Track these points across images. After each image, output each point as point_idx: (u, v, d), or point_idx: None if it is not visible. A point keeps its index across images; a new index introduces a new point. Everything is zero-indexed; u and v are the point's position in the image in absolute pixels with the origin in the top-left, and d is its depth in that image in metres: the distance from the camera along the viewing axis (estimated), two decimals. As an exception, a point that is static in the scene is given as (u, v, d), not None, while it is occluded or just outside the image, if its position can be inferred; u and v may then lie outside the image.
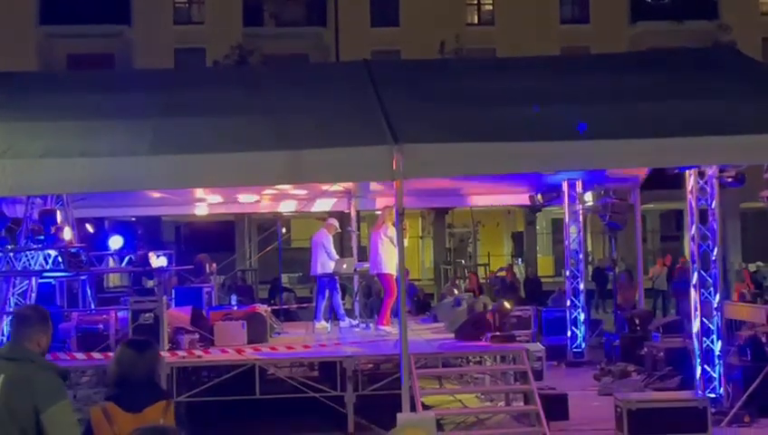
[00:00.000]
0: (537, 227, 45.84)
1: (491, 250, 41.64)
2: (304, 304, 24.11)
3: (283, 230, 40.92)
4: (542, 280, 33.95)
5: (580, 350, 20.21)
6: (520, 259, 42.84)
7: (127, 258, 17.95)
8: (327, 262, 18.00)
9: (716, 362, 13.87)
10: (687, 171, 14.03)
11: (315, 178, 13.64)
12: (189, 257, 21.65)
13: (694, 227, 14.06)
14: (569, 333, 20.34)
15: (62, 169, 12.05)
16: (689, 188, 14.08)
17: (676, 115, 13.29)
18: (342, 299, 18.80)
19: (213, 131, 12.94)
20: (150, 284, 17.68)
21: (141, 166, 12.21)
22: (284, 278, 33.00)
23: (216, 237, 38.97)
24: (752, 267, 35.93)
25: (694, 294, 14.08)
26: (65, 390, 5.65)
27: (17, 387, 5.48)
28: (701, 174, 13.99)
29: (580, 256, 20.78)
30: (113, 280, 30.92)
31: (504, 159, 12.54)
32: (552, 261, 46.36)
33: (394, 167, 12.05)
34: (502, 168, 13.24)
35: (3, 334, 14.99)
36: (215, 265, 20.14)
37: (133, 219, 26.20)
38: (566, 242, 21.12)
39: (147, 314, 13.78)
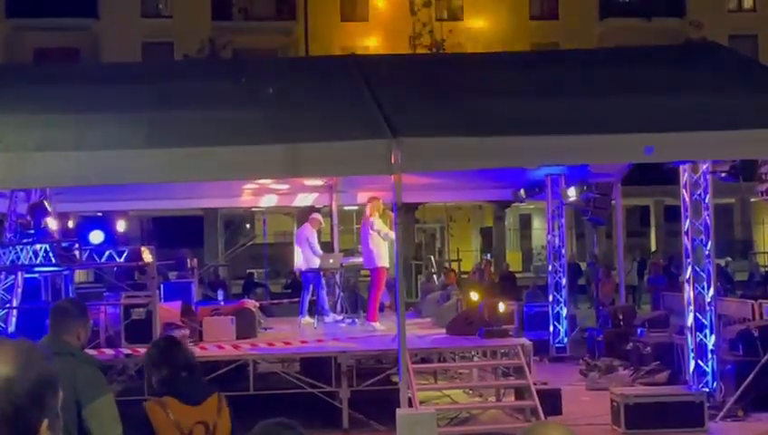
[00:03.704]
0: (506, 223, 45.91)
1: (460, 246, 41.64)
2: (284, 300, 23.95)
3: (247, 226, 41.05)
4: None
5: (562, 345, 20.23)
6: (488, 254, 42.92)
7: (107, 253, 17.69)
8: (311, 257, 17.87)
9: (710, 356, 13.89)
10: (681, 166, 14.03)
11: (313, 171, 13.54)
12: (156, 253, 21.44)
13: (687, 222, 14.07)
14: (551, 328, 20.33)
15: (57, 163, 11.86)
16: (683, 182, 14.09)
17: (668, 110, 13.31)
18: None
19: (209, 124, 12.79)
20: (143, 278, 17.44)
21: (137, 159, 12.04)
22: (253, 274, 32.90)
23: (183, 233, 38.63)
24: (721, 262, 36.20)
25: (687, 289, 14.10)
26: (107, 384, 5.54)
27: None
28: (694, 169, 13.98)
29: (563, 251, 20.79)
30: (79, 276, 30.57)
31: (504, 153, 12.51)
32: (519, 257, 46.47)
33: (393, 160, 11.96)
34: (502, 162, 13.20)
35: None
36: (195, 260, 19.97)
37: (100, 214, 25.92)
38: (548, 237, 21.15)
39: (139, 310, 13.62)
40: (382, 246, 16.05)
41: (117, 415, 5.41)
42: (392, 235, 14.64)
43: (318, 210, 21.50)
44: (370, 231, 16.13)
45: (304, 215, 18.91)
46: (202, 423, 5.49)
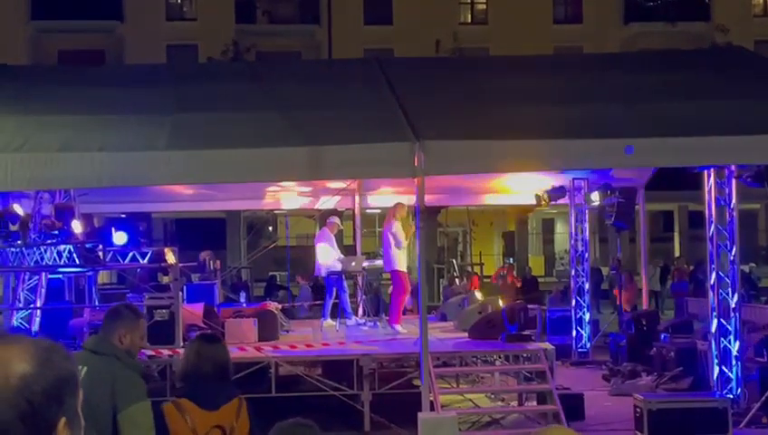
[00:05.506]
0: (528, 227, 45.77)
1: (482, 250, 41.54)
2: (306, 302, 23.96)
3: (270, 228, 41.06)
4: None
5: (585, 350, 20.13)
6: (511, 259, 42.81)
7: (130, 254, 17.76)
8: (333, 261, 17.86)
9: (734, 362, 13.79)
10: (706, 171, 13.94)
11: (336, 174, 13.51)
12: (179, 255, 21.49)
13: (712, 227, 13.98)
14: (573, 333, 20.24)
15: (80, 164, 11.89)
16: (708, 187, 13.99)
17: (693, 114, 13.23)
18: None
19: (231, 127, 12.81)
20: (166, 280, 17.49)
21: (160, 161, 12.06)
22: (276, 276, 32.91)
23: (206, 235, 38.66)
24: (745, 268, 36.00)
25: (711, 295, 14.01)
26: (146, 390, 5.46)
27: (98, 382, 5.25)
28: (719, 174, 13.88)
29: (586, 255, 20.69)
30: (103, 277, 30.67)
31: (529, 157, 12.46)
32: (542, 261, 46.32)
33: (416, 163, 11.94)
34: (526, 166, 13.15)
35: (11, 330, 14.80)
36: (219, 262, 19.99)
37: (123, 215, 26.00)
38: (571, 241, 21.07)
39: (162, 311, 13.64)
40: (401, 250, 16.02)
41: (152, 423, 5.31)
42: (405, 243, 14.68)
43: (339, 213, 21.47)
44: (389, 234, 16.11)
45: (327, 217, 18.92)
46: (219, 428, 5.40)
